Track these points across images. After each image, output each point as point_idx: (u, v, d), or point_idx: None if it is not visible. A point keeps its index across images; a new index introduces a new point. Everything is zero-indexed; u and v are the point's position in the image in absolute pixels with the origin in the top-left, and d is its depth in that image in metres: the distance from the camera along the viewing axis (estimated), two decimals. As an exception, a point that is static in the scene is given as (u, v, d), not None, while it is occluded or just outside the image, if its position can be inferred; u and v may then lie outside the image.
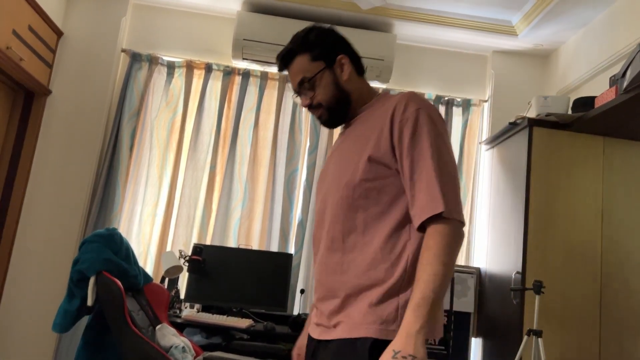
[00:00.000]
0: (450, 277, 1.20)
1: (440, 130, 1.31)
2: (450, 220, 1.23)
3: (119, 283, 2.31)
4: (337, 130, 3.74)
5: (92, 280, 2.31)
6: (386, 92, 1.55)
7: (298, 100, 1.51)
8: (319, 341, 1.37)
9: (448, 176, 1.26)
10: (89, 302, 2.29)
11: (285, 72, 1.53)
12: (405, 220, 1.30)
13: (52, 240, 3.38)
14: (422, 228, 1.28)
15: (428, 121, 1.30)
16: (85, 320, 2.63)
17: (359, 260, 1.31)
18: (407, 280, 1.27)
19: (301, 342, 1.60)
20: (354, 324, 1.27)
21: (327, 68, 1.45)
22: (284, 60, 1.49)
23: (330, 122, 1.49)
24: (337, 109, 1.45)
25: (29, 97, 3.47)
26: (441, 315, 1.27)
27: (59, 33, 3.54)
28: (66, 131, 3.50)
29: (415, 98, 1.35)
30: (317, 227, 1.46)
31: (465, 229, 3.71)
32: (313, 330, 1.43)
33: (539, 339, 2.52)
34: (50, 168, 3.45)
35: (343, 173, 1.38)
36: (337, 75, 1.45)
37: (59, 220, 3.40)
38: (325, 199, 1.42)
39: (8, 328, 3.27)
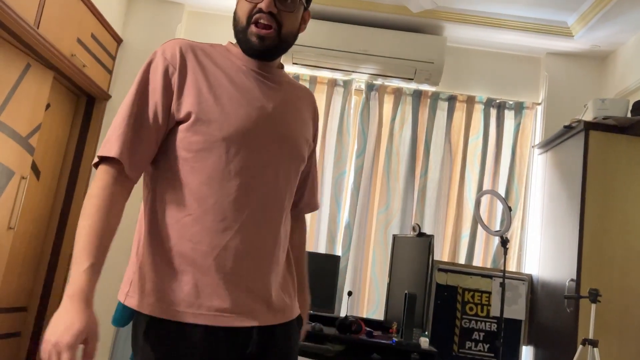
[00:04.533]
0: None
1: None
2: None
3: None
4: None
5: (149, 277, 2.40)
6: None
7: (262, 2, 1.20)
8: (274, 327, 1.22)
9: None
10: (147, 298, 2.38)
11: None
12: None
13: (111, 239, 3.53)
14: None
15: None
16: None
17: (283, 237, 1.26)
18: None
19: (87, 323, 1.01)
20: (295, 303, 1.31)
21: (303, 9, 1.31)
22: None
23: (270, 51, 1.24)
24: (283, 46, 1.26)
25: (90, 102, 3.64)
26: None
27: (118, 40, 3.70)
28: (124, 134, 3.65)
29: None
30: (251, 193, 1.18)
31: (517, 235, 3.64)
32: (255, 316, 1.17)
33: (595, 349, 2.45)
34: (110, 169, 3.61)
35: (296, 143, 1.26)
36: (300, 23, 1.31)
37: (117, 219, 3.55)
38: (265, 164, 1.20)
39: (69, 321, 3.44)
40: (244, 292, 1.15)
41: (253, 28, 1.20)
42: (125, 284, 1.18)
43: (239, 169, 1.16)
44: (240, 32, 1.23)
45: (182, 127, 1.16)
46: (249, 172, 1.18)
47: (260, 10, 1.20)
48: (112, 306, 3.42)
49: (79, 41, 3.15)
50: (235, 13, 1.25)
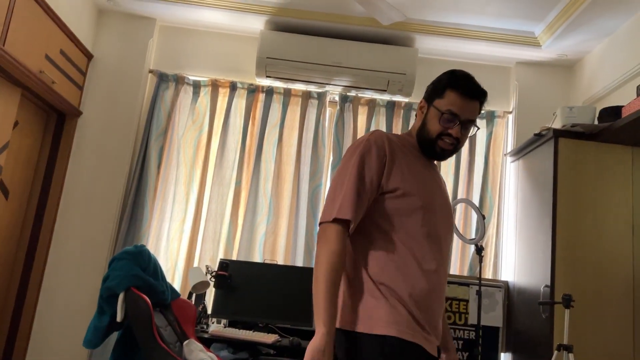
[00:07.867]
0: None
1: None
2: None
3: (147, 299, 2.36)
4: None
5: (121, 297, 2.36)
6: None
7: (453, 129, 1.59)
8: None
9: None
10: (118, 318, 2.34)
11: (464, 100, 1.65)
12: None
13: (83, 257, 3.46)
14: None
15: None
16: (115, 335, 2.69)
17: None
18: None
19: None
20: None
21: None
22: (484, 97, 1.71)
23: (446, 157, 1.66)
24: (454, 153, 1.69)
25: (60, 119, 3.59)
26: None
27: (89, 56, 3.66)
28: (96, 150, 3.60)
29: None
30: (436, 248, 1.56)
31: (492, 242, 3.67)
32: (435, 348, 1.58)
33: (570, 354, 2.47)
34: (82, 186, 3.55)
35: (449, 205, 1.67)
36: None
37: (90, 237, 3.49)
38: (442, 227, 1.60)
39: (41, 343, 3.35)
40: (434, 329, 1.52)
41: (441, 143, 1.60)
42: (350, 315, 1.48)
43: (428, 228, 1.55)
44: (427, 141, 1.62)
45: (388, 196, 1.53)
46: (434, 229, 1.56)
47: (449, 134, 1.59)
48: (83, 328, 3.35)
49: (47, 57, 3.11)
50: (425, 124, 1.63)
